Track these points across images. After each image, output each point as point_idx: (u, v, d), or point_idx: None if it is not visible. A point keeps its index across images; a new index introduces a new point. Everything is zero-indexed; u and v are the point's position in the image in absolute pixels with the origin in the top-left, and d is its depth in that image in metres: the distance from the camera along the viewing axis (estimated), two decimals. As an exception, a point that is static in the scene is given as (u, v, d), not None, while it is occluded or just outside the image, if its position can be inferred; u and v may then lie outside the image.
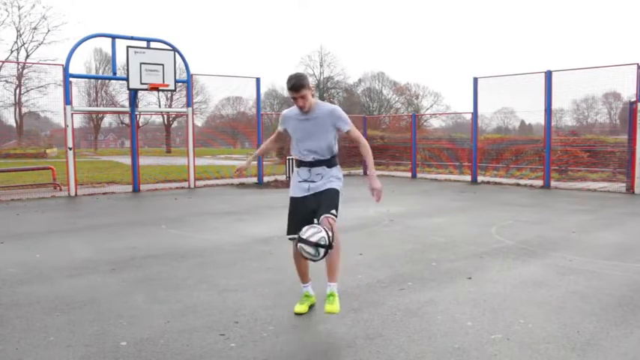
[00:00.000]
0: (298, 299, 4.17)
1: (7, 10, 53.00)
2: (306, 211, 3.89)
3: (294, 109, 3.95)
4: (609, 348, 3.31)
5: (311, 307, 4.08)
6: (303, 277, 4.08)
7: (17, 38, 44.25)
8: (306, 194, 3.92)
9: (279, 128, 4.10)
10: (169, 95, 41.30)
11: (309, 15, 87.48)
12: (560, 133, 17.15)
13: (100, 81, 41.73)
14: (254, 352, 3.28)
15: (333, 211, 3.80)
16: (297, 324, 3.76)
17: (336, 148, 3.96)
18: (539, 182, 13.84)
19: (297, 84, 3.74)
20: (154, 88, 12.73)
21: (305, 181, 3.93)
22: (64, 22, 73.84)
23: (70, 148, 12.05)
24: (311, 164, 3.91)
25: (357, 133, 3.94)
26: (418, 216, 8.70)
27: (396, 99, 55.63)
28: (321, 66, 54.95)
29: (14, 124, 37.40)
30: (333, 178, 3.92)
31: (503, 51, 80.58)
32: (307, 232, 3.58)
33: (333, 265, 3.83)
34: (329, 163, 3.92)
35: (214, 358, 3.20)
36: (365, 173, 18.44)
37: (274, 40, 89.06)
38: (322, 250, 3.55)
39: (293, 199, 3.99)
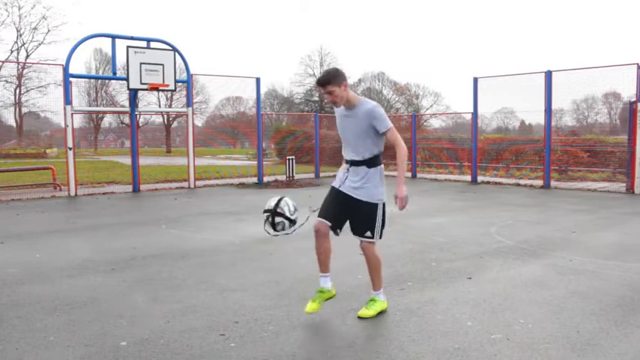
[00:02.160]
0: (298, 299, 4.18)
1: (7, 10, 53.06)
2: (334, 201, 3.84)
3: None
4: (609, 348, 3.31)
5: (328, 299, 3.93)
6: (322, 265, 3.88)
7: (17, 38, 44.30)
8: (339, 187, 3.85)
9: None
10: (169, 95, 41.35)
11: (310, 17, 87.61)
12: (560, 133, 17.15)
13: (100, 81, 41.75)
14: (254, 352, 3.28)
15: (368, 234, 3.80)
16: (297, 324, 3.76)
17: (377, 149, 3.78)
18: (539, 182, 13.83)
19: (321, 79, 3.67)
20: (154, 88, 12.73)
21: (344, 175, 3.85)
22: (64, 22, 74.04)
23: (70, 148, 12.05)
24: (350, 163, 3.81)
25: (394, 136, 3.71)
26: (418, 216, 8.70)
27: (396, 99, 55.56)
28: (321, 66, 54.88)
29: (14, 124, 37.44)
30: (371, 186, 3.76)
31: (503, 51, 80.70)
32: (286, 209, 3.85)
33: (373, 276, 3.98)
34: (369, 163, 3.76)
35: (214, 358, 3.20)
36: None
37: (275, 40, 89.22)
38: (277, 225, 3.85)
39: (331, 187, 3.94)
